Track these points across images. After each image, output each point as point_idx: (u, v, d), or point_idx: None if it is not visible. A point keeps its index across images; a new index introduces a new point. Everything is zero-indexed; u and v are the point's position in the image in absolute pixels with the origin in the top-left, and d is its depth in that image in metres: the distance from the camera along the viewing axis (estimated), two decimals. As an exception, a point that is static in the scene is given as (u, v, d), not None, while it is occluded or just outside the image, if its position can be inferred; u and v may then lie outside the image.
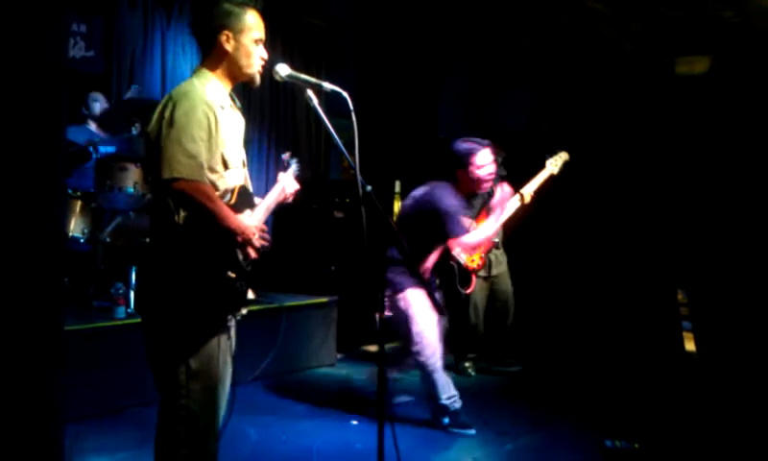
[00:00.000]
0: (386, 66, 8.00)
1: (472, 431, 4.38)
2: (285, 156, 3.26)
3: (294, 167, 3.15)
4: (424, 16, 7.79)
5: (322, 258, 6.97)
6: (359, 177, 2.61)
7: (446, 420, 4.42)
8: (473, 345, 5.97)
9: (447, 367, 5.97)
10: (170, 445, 2.57)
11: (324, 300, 6.13)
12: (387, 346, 3.86)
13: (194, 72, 2.69)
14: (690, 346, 6.35)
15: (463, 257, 5.40)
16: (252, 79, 2.72)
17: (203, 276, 2.51)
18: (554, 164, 5.37)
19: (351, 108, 2.65)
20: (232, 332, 2.71)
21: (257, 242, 2.60)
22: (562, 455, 4.15)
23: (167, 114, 2.49)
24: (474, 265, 5.39)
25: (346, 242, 6.93)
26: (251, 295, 2.69)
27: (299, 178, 3.14)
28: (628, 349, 6.24)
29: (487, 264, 5.76)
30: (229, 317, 2.66)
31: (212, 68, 2.67)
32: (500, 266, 5.96)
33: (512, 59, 8.03)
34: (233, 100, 2.73)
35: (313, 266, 6.92)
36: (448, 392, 4.40)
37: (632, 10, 6.21)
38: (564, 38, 7.21)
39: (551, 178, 5.36)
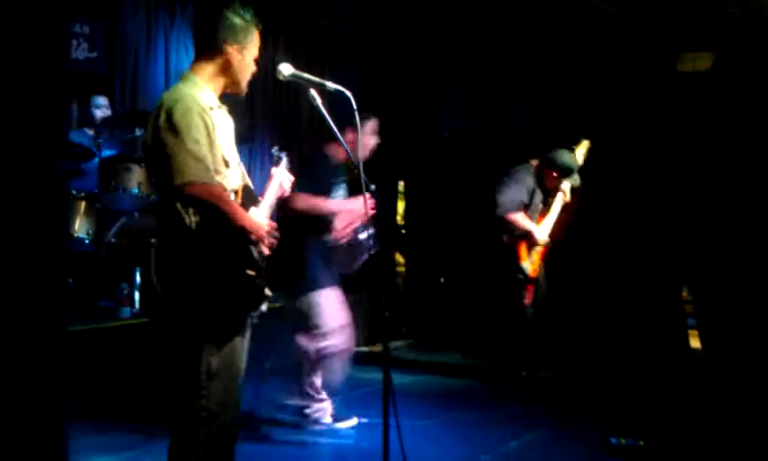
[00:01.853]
0: (388, 65, 8.01)
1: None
2: (275, 150, 3.26)
3: (285, 160, 3.16)
4: (426, 14, 7.79)
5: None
6: (363, 176, 2.62)
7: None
8: (526, 356, 5.52)
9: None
10: (187, 445, 2.57)
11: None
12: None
13: (182, 78, 2.67)
14: (695, 343, 6.34)
15: (528, 268, 5.26)
16: (240, 91, 2.75)
17: (222, 276, 2.52)
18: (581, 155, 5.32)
19: (355, 107, 2.66)
20: (248, 332, 2.74)
21: (268, 239, 2.62)
22: (566, 453, 4.14)
23: (162, 122, 2.48)
24: (535, 275, 5.27)
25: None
26: (268, 292, 2.70)
27: (291, 170, 3.13)
28: (633, 346, 6.24)
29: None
30: (249, 315, 2.68)
31: (205, 76, 2.65)
32: (542, 271, 5.56)
33: (514, 57, 8.02)
34: (219, 105, 2.73)
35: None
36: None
37: (634, 6, 6.21)
38: (566, 36, 7.21)
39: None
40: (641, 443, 4.04)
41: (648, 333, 6.36)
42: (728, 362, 5.85)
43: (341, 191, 4.33)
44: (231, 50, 2.63)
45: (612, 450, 4.02)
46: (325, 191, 4.17)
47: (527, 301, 5.25)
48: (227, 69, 2.66)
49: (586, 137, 5.41)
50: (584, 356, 6.21)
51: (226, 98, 2.79)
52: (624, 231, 6.75)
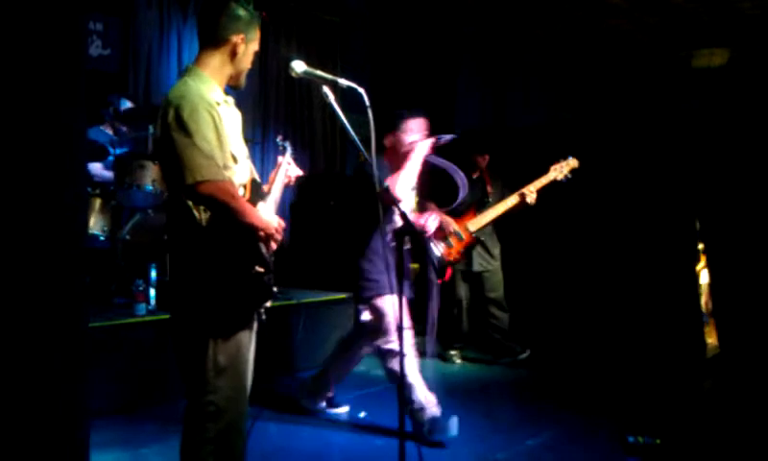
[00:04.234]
0: (400, 62, 8.00)
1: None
2: (279, 139, 3.26)
3: (290, 150, 3.17)
4: (438, 11, 7.77)
5: (339, 254, 6.97)
6: (376, 173, 2.62)
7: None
8: (458, 336, 6.10)
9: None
10: (197, 441, 2.59)
11: (341, 296, 6.14)
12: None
13: (187, 72, 2.65)
14: (712, 339, 6.30)
15: (440, 248, 5.44)
16: (240, 85, 2.75)
17: (230, 273, 2.53)
18: (558, 171, 5.32)
19: (368, 103, 2.66)
20: (255, 327, 2.74)
21: (278, 236, 2.63)
22: (583, 452, 4.11)
23: (170, 120, 2.48)
24: (451, 258, 5.44)
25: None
26: (275, 288, 2.71)
27: (295, 159, 3.15)
28: (649, 343, 6.21)
29: (467, 259, 5.83)
30: (257, 312, 2.68)
31: (210, 68, 2.64)
32: (486, 265, 5.99)
33: (526, 53, 8.00)
34: (226, 99, 2.73)
35: (330, 262, 6.93)
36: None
37: (648, 2, 6.17)
38: (580, 32, 7.18)
39: (553, 182, 5.35)
40: (658, 441, 4.02)
41: (664, 330, 6.32)
42: (745, 360, 5.81)
43: None
44: (237, 39, 2.64)
45: (629, 449, 4.00)
46: None
47: (438, 280, 5.40)
48: (232, 59, 2.66)
49: (575, 154, 5.40)
50: (599, 352, 6.19)
51: (235, 95, 2.80)
52: (638, 227, 6.72)
